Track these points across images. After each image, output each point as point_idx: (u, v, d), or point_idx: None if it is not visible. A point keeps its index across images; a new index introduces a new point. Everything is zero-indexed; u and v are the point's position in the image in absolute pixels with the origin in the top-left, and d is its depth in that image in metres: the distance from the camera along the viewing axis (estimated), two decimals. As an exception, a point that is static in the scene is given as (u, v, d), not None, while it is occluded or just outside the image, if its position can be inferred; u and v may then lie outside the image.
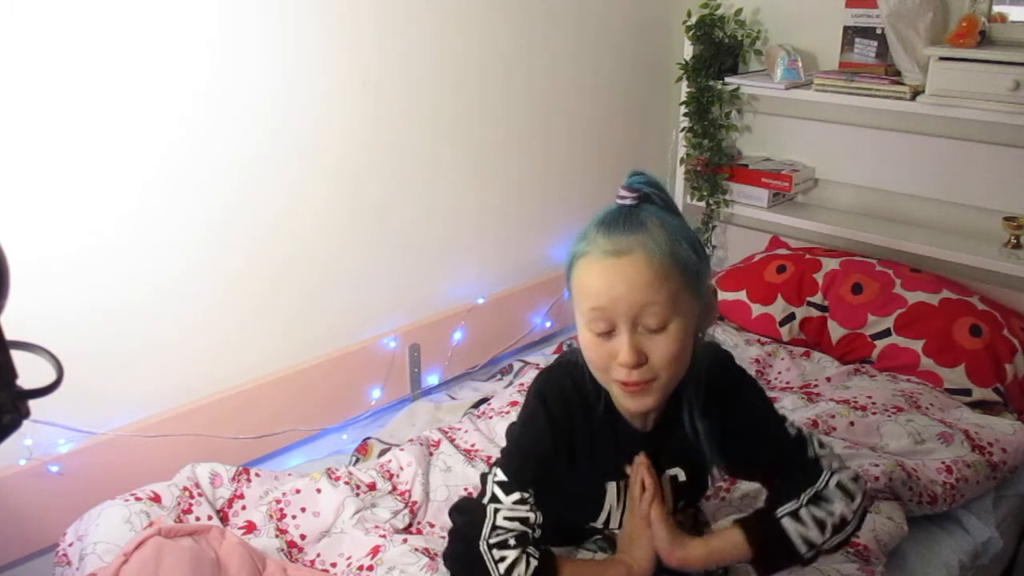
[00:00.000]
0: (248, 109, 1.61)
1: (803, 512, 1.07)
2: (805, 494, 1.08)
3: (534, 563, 1.06)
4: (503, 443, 1.70)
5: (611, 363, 1.01)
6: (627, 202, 1.03)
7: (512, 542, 1.06)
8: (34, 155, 1.37)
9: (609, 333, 1.00)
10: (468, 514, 1.12)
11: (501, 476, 1.10)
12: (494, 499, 1.09)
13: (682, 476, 1.16)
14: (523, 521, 1.08)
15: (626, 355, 0.98)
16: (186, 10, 1.48)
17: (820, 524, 1.07)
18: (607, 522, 1.17)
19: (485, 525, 1.07)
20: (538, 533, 1.10)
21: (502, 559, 1.06)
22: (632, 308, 0.97)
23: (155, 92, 1.48)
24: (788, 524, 1.07)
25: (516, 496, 1.08)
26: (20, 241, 1.38)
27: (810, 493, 1.08)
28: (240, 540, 1.34)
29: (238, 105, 1.60)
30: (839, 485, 1.08)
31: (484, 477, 1.14)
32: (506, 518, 1.08)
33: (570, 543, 1.23)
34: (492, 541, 1.06)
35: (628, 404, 1.05)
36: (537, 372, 1.20)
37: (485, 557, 1.06)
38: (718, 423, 1.10)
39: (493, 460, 1.19)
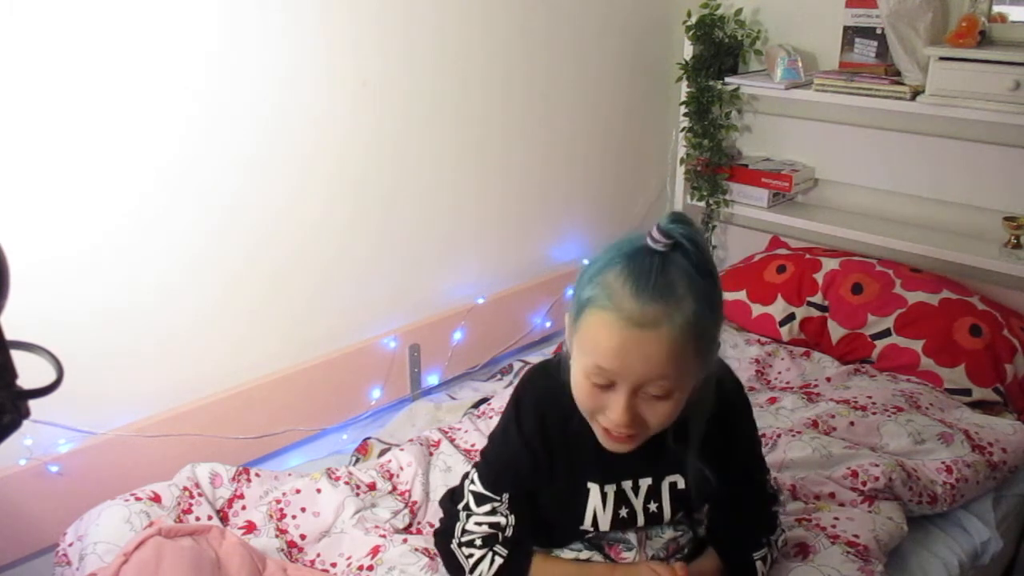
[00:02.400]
0: (249, 110, 1.61)
1: (767, 558, 1.22)
2: (767, 541, 1.22)
3: (499, 560, 1.16)
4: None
5: (600, 411, 1.01)
6: (658, 247, 0.94)
7: (479, 542, 1.17)
8: (35, 156, 1.37)
9: (606, 386, 0.98)
10: (448, 518, 1.23)
11: (477, 486, 1.17)
12: (467, 507, 1.18)
13: (681, 483, 1.16)
14: (492, 525, 1.16)
15: (619, 415, 0.97)
16: (186, 11, 1.48)
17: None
18: (595, 523, 1.17)
19: (457, 528, 1.19)
20: (509, 532, 1.17)
21: (469, 556, 1.17)
22: (640, 379, 0.95)
23: (156, 93, 1.48)
24: (760, 567, 1.21)
25: (487, 507, 1.17)
26: (21, 242, 1.38)
27: (772, 541, 1.23)
28: (240, 540, 1.34)
29: (238, 106, 1.59)
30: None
31: (464, 477, 1.23)
32: (476, 523, 1.17)
33: (563, 544, 1.23)
34: (463, 540, 1.18)
35: (608, 447, 1.06)
36: (523, 373, 1.22)
37: (457, 554, 1.19)
38: (711, 439, 1.11)
39: (477, 461, 1.24)
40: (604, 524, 1.16)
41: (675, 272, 0.94)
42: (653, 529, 1.20)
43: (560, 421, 1.11)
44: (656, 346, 0.93)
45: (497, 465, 1.17)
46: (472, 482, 1.18)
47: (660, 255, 0.94)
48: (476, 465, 1.21)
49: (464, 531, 1.18)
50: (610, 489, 1.15)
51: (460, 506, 1.19)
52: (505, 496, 1.16)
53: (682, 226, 0.94)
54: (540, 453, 1.13)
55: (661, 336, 0.93)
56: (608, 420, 1.00)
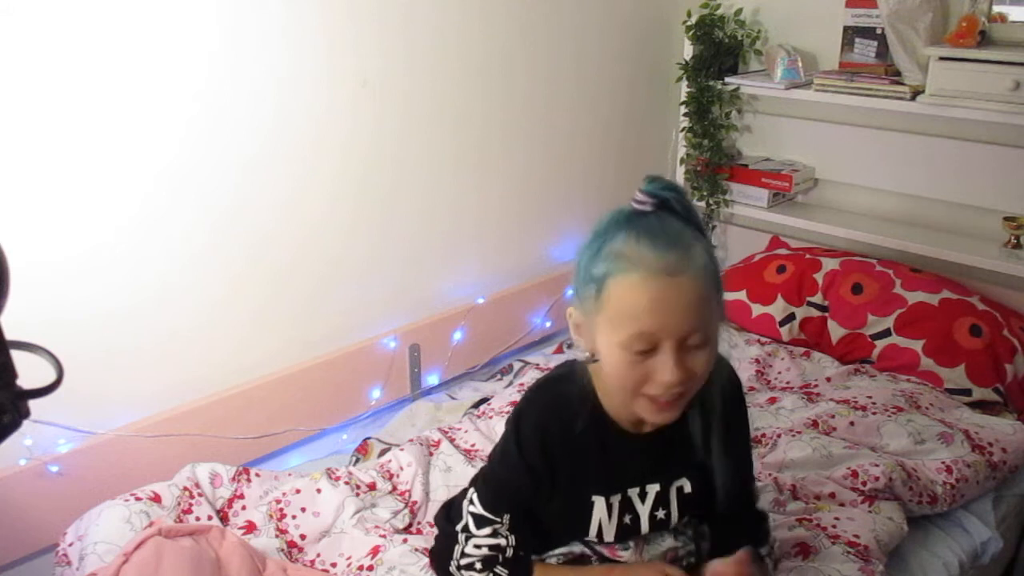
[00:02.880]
0: (249, 111, 1.61)
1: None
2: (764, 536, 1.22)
3: None
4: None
5: (646, 382, 0.98)
6: (646, 208, 0.98)
7: (479, 566, 1.14)
8: (36, 157, 1.37)
9: (649, 351, 0.97)
10: (445, 538, 1.21)
11: (477, 507, 1.15)
12: (466, 529, 1.16)
13: (688, 487, 1.16)
14: (492, 547, 1.14)
15: (672, 374, 0.96)
16: (187, 12, 1.48)
17: None
18: (599, 534, 1.16)
19: (456, 550, 1.16)
20: (510, 552, 1.14)
21: None
22: (682, 331, 0.95)
23: (157, 94, 1.48)
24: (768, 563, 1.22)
25: (488, 530, 1.14)
26: (22, 242, 1.38)
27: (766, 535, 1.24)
28: (240, 540, 1.34)
29: (239, 107, 1.59)
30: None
31: (462, 495, 1.20)
32: (475, 546, 1.14)
33: (558, 545, 1.22)
34: (462, 564, 1.15)
35: (655, 419, 1.04)
36: (527, 390, 1.19)
37: None
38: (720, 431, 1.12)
39: (475, 477, 1.23)
40: (609, 535, 1.15)
41: (674, 223, 0.98)
42: (654, 535, 1.19)
43: (563, 433, 1.09)
44: (690, 291, 0.95)
45: (497, 486, 1.15)
46: (471, 503, 1.16)
47: (654, 214, 0.98)
48: (475, 486, 1.18)
49: (463, 554, 1.15)
50: (615, 500, 1.14)
51: (459, 527, 1.16)
52: (506, 517, 1.14)
53: (661, 184, 0.99)
54: (542, 470, 1.11)
55: (690, 280, 0.95)
56: (658, 386, 0.98)
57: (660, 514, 1.15)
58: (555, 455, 1.10)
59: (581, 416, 1.09)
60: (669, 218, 0.98)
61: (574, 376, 1.10)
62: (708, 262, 0.97)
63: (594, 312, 0.99)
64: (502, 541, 1.14)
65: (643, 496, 1.15)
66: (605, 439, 1.11)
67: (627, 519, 1.15)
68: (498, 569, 1.14)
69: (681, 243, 0.96)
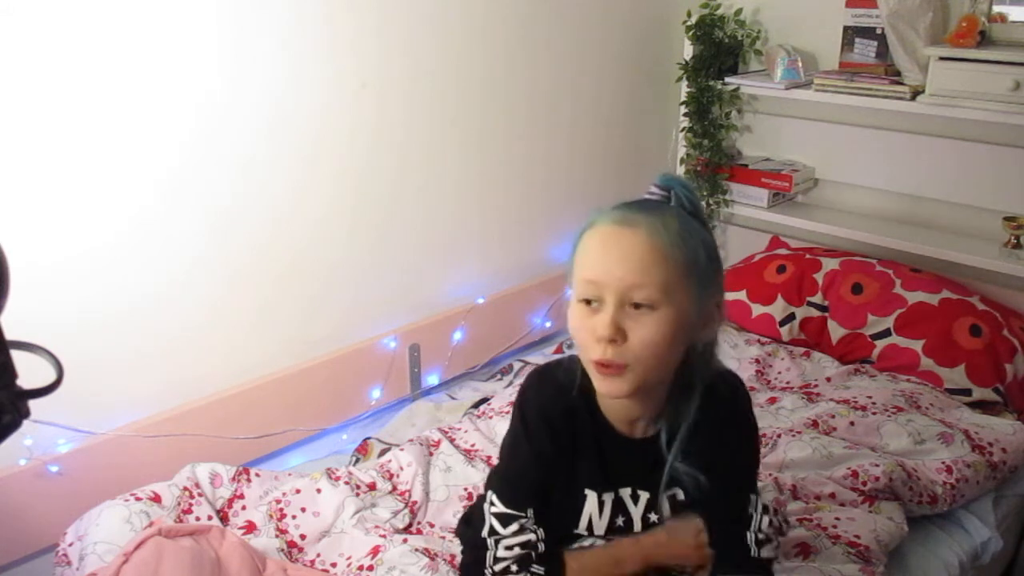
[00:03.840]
0: (251, 111, 1.61)
1: None
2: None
3: None
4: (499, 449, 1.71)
5: (592, 339, 0.99)
6: (654, 197, 1.04)
7: (515, 568, 1.10)
8: (38, 159, 1.37)
9: (596, 305, 0.98)
10: (473, 549, 1.16)
11: (498, 506, 1.12)
12: (493, 532, 1.12)
13: (681, 495, 1.14)
14: (523, 545, 1.10)
15: (604, 327, 0.96)
16: (188, 14, 1.48)
17: None
18: (589, 528, 1.15)
19: (488, 557, 1.11)
20: (541, 547, 1.11)
21: None
22: (623, 281, 0.96)
23: (158, 95, 1.48)
24: None
25: (514, 527, 1.11)
26: (23, 243, 1.38)
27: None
28: (240, 540, 1.34)
29: (241, 109, 1.59)
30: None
31: (481, 500, 1.16)
32: (507, 547, 1.10)
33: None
34: (497, 570, 1.11)
35: (601, 387, 1.03)
36: (524, 379, 1.18)
37: None
38: (707, 446, 1.08)
39: (488, 478, 1.19)
40: (599, 530, 1.15)
41: (666, 207, 1.02)
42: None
43: (566, 423, 1.10)
44: (634, 242, 0.96)
45: (514, 479, 1.13)
46: (492, 504, 1.12)
47: (655, 200, 1.03)
48: (491, 486, 1.15)
49: (496, 559, 1.11)
50: (608, 497, 1.14)
51: (485, 533, 1.12)
52: (529, 511, 1.11)
53: (676, 179, 1.04)
54: (551, 456, 1.11)
55: (639, 234, 0.97)
56: (594, 346, 0.98)
57: (653, 517, 1.15)
58: (561, 439, 1.10)
59: (579, 408, 1.09)
60: (669, 206, 1.02)
61: (572, 366, 1.09)
62: (681, 235, 0.98)
63: (572, 271, 1.03)
64: (531, 536, 1.11)
65: (635, 498, 1.15)
66: (600, 435, 1.11)
67: (620, 520, 1.15)
68: (534, 568, 1.11)
69: (652, 209, 0.99)
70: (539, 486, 1.12)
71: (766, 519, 1.12)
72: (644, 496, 1.15)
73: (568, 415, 1.09)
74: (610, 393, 1.03)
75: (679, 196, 1.03)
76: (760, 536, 1.11)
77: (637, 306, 0.97)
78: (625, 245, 0.97)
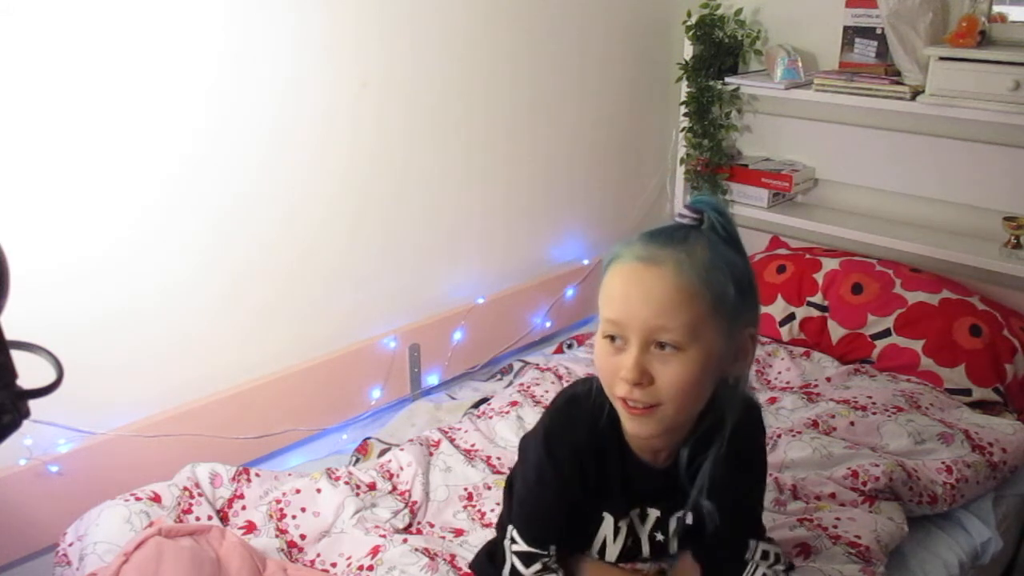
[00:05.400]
0: (251, 115, 1.61)
1: None
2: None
3: None
4: (504, 443, 1.71)
5: (616, 377, 0.96)
6: (685, 221, 0.98)
7: None
8: (41, 160, 1.37)
9: (621, 344, 0.95)
10: None
11: (521, 545, 1.08)
12: (515, 572, 1.09)
13: (690, 519, 1.13)
14: None
15: (628, 371, 0.93)
16: (192, 16, 1.48)
17: None
18: (602, 553, 1.15)
19: None
20: None
21: None
22: (647, 323, 0.92)
23: (162, 96, 1.48)
24: None
25: (537, 567, 1.08)
26: (25, 244, 1.38)
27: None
28: (240, 540, 1.34)
29: (242, 112, 1.59)
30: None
31: (501, 533, 1.13)
32: None
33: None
34: None
35: (628, 426, 1.01)
36: (552, 401, 1.15)
37: None
38: (719, 481, 1.06)
39: (507, 512, 1.16)
40: (611, 555, 1.14)
41: (695, 235, 0.96)
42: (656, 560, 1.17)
43: (597, 462, 1.06)
44: (659, 283, 0.92)
45: (537, 515, 1.10)
46: (514, 541, 1.09)
47: (685, 226, 0.97)
48: (512, 521, 1.12)
49: None
50: (624, 524, 1.13)
51: (507, 572, 1.09)
52: (552, 548, 1.08)
53: (710, 202, 0.98)
54: (577, 490, 1.08)
55: (665, 273, 0.92)
56: (620, 384, 0.95)
57: (659, 536, 1.14)
58: (588, 482, 1.07)
59: (609, 444, 1.06)
60: (700, 232, 0.96)
61: (601, 398, 1.04)
62: (708, 270, 0.93)
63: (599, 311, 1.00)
64: None
65: (643, 517, 1.13)
66: (626, 466, 1.08)
67: (629, 541, 1.14)
68: None
69: (678, 242, 0.94)
70: (560, 515, 1.10)
71: (760, 571, 1.10)
72: (654, 515, 1.13)
73: (599, 454, 1.06)
74: (639, 434, 1.01)
75: (712, 220, 0.97)
76: None
77: (662, 346, 0.93)
78: (648, 285, 0.92)
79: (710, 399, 1.01)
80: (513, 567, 1.09)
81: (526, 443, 1.17)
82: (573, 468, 1.06)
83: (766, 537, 1.14)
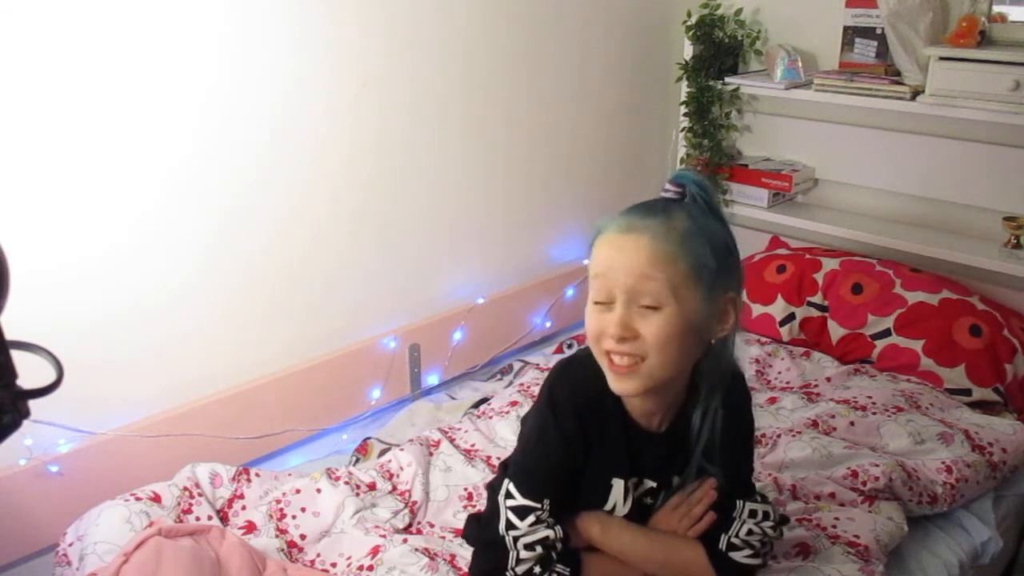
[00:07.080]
0: (254, 113, 1.61)
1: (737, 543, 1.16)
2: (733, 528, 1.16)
3: None
4: (504, 443, 1.71)
5: (604, 335, 1.02)
6: (668, 195, 1.06)
7: (537, 569, 1.10)
8: (42, 160, 1.37)
9: (607, 305, 1.02)
10: (487, 548, 1.14)
11: (516, 498, 1.11)
12: (510, 526, 1.10)
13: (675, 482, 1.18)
14: (543, 542, 1.10)
15: (614, 326, 1.00)
16: (191, 13, 1.48)
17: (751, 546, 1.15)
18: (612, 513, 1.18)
19: (510, 558, 1.10)
20: (560, 546, 1.11)
21: None
22: (627, 285, 1.00)
23: (162, 96, 1.48)
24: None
25: (531, 519, 1.10)
26: (26, 244, 1.38)
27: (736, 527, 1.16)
28: (240, 540, 1.34)
29: (242, 112, 1.59)
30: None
31: (494, 491, 1.15)
32: (526, 545, 1.10)
33: None
34: (519, 571, 1.10)
35: (614, 386, 1.06)
36: (552, 368, 1.19)
37: None
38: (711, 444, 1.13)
39: (502, 467, 1.20)
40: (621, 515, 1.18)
41: (676, 208, 1.03)
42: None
43: (594, 410, 1.11)
44: (638, 245, 1.00)
45: (534, 466, 1.12)
46: (509, 495, 1.11)
47: (667, 199, 1.05)
48: (508, 475, 1.14)
49: (519, 560, 1.09)
50: (632, 485, 1.16)
51: (501, 529, 1.11)
52: (545, 502, 1.10)
53: (691, 176, 1.06)
54: (578, 442, 1.11)
55: (643, 239, 1.00)
56: (607, 341, 1.02)
57: (648, 500, 1.19)
58: (588, 428, 1.11)
59: (606, 398, 1.10)
60: (681, 205, 1.04)
61: (595, 362, 1.09)
62: (687, 237, 1.00)
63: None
64: (550, 533, 1.10)
65: (638, 485, 1.17)
66: (627, 424, 1.13)
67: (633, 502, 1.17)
68: (559, 568, 1.11)
69: (658, 213, 1.02)
70: (559, 472, 1.12)
71: (746, 527, 1.15)
72: (649, 484, 1.17)
73: (596, 403, 1.11)
74: (622, 391, 1.06)
75: (692, 193, 1.05)
76: (736, 541, 1.14)
77: (645, 307, 1.00)
78: (629, 252, 1.00)
79: (697, 367, 1.09)
80: (508, 521, 1.10)
81: (527, 415, 1.21)
82: (571, 413, 1.11)
83: (754, 497, 1.19)
